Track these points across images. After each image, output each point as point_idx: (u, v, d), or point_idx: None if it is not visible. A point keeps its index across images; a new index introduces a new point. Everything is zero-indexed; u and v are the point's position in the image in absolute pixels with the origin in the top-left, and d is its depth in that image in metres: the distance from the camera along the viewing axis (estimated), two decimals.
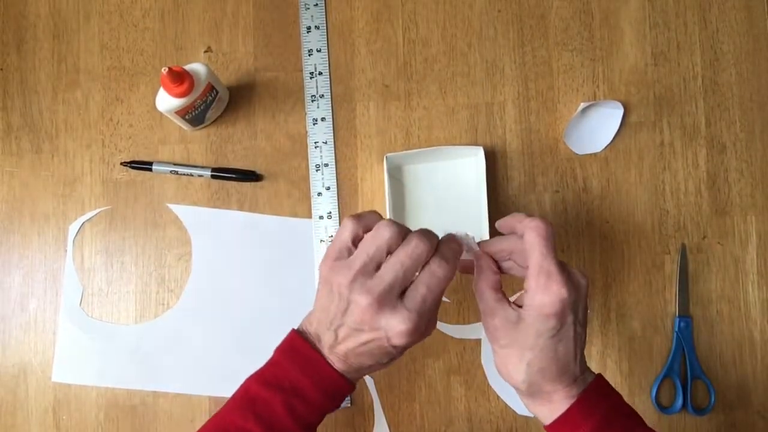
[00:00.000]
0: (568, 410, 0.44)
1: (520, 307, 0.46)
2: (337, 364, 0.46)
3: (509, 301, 0.47)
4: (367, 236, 0.44)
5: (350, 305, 0.43)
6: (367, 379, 0.65)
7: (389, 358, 0.46)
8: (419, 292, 0.43)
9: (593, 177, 0.67)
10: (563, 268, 0.45)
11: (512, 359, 0.45)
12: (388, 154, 0.64)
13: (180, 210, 0.67)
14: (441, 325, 0.66)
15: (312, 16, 0.68)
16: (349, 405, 0.65)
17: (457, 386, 0.66)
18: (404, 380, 0.66)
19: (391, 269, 0.42)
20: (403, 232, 0.44)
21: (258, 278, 0.66)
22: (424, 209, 0.66)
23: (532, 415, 0.65)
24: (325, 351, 0.46)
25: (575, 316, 0.44)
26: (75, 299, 0.66)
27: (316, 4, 0.68)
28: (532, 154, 0.68)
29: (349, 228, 0.45)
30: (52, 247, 0.67)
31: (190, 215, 0.67)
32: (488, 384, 0.66)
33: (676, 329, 0.65)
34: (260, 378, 0.47)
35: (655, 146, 0.68)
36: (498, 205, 0.67)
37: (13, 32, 0.68)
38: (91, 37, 0.68)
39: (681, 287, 0.66)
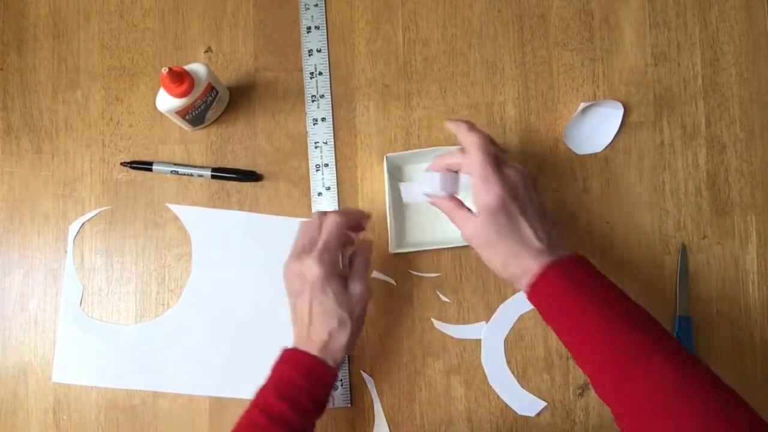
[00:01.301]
0: (542, 273, 0.52)
1: None
2: (314, 353, 0.54)
3: (471, 213, 0.55)
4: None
5: (288, 270, 0.56)
6: (367, 378, 0.65)
7: (330, 312, 0.54)
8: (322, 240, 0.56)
9: (593, 177, 0.67)
10: (499, 170, 0.53)
11: (489, 253, 0.54)
12: (388, 154, 0.64)
13: (180, 210, 0.67)
14: (441, 325, 0.66)
15: (312, 17, 0.68)
16: (349, 405, 0.65)
17: (457, 386, 0.66)
18: (404, 380, 0.66)
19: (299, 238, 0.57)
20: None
21: (258, 278, 0.66)
22: (424, 209, 0.66)
23: (532, 415, 0.65)
24: (303, 347, 0.55)
25: (520, 206, 0.53)
26: (75, 299, 0.66)
27: (316, 5, 0.68)
28: (532, 154, 0.68)
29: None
30: (52, 247, 0.67)
31: (190, 215, 0.67)
32: (488, 384, 0.66)
33: (676, 329, 0.65)
34: (261, 386, 0.55)
35: (655, 146, 0.68)
36: None
37: (13, 32, 0.68)
38: (91, 37, 0.68)
39: (681, 287, 0.66)
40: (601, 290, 0.52)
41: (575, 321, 0.51)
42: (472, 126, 0.55)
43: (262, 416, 0.52)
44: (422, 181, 0.58)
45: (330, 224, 0.56)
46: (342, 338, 0.55)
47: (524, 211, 0.53)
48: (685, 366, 0.46)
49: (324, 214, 0.57)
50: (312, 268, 0.54)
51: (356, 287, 0.56)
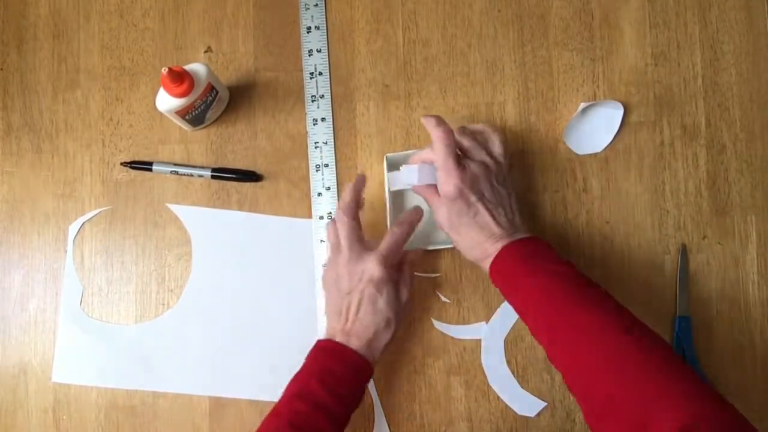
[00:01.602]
0: (498, 254, 0.56)
1: None
2: (354, 347, 0.56)
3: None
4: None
5: (337, 269, 0.59)
6: None
7: (379, 312, 0.57)
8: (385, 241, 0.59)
9: (593, 177, 0.67)
10: (459, 162, 0.58)
11: (456, 238, 0.59)
12: (388, 154, 0.64)
13: (180, 210, 0.67)
14: (441, 326, 0.66)
15: (312, 17, 0.68)
16: None
17: (457, 386, 0.66)
18: (404, 380, 0.66)
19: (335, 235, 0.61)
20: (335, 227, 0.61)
21: (258, 278, 0.66)
22: (424, 209, 0.66)
23: (532, 415, 0.65)
24: (342, 340, 0.57)
25: (479, 195, 0.57)
26: (75, 299, 0.66)
27: (316, 5, 0.68)
28: (532, 154, 0.68)
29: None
30: (52, 247, 0.67)
31: (190, 215, 0.67)
32: (488, 384, 0.66)
33: (676, 329, 0.65)
34: (297, 375, 0.56)
35: (655, 146, 0.68)
36: None
37: (13, 32, 0.68)
38: (91, 37, 0.68)
39: (681, 287, 0.66)
40: (552, 264, 0.54)
41: (528, 296, 0.54)
42: (439, 122, 0.59)
43: (303, 403, 0.53)
44: (404, 173, 0.61)
45: (398, 233, 0.59)
46: (385, 338, 0.58)
47: (483, 199, 0.58)
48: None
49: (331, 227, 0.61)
50: (375, 269, 0.57)
51: (404, 293, 0.60)
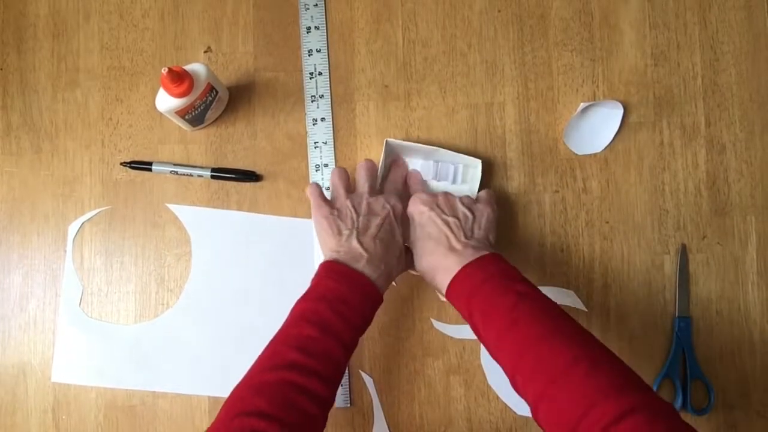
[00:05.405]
0: (455, 276, 0.55)
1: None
2: (367, 273, 0.55)
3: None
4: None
5: (357, 202, 0.60)
6: (367, 378, 0.65)
7: (396, 241, 0.59)
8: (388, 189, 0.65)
9: (593, 177, 0.67)
10: (424, 192, 0.62)
11: (418, 254, 0.60)
12: (389, 139, 0.64)
13: (179, 210, 0.67)
14: (440, 326, 0.66)
15: (312, 17, 0.68)
16: (348, 405, 0.65)
17: (457, 386, 0.66)
18: (404, 380, 0.66)
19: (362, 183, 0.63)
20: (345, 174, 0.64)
21: (257, 278, 0.66)
22: None
23: (531, 415, 0.65)
24: (354, 264, 0.55)
25: (438, 212, 0.59)
26: (74, 299, 0.66)
27: (316, 5, 0.68)
28: (532, 154, 0.68)
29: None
30: (52, 247, 0.67)
31: (190, 215, 0.67)
32: (488, 384, 0.65)
33: (676, 329, 0.65)
34: (305, 297, 0.55)
35: (655, 146, 0.68)
36: (497, 205, 0.66)
37: (13, 32, 0.68)
38: (91, 37, 0.68)
39: (681, 287, 0.66)
40: (506, 281, 0.53)
41: (491, 318, 0.52)
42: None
43: (313, 328, 0.51)
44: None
45: (373, 167, 0.64)
46: (397, 269, 0.59)
47: (440, 216, 0.59)
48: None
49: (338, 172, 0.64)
50: (398, 203, 0.61)
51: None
